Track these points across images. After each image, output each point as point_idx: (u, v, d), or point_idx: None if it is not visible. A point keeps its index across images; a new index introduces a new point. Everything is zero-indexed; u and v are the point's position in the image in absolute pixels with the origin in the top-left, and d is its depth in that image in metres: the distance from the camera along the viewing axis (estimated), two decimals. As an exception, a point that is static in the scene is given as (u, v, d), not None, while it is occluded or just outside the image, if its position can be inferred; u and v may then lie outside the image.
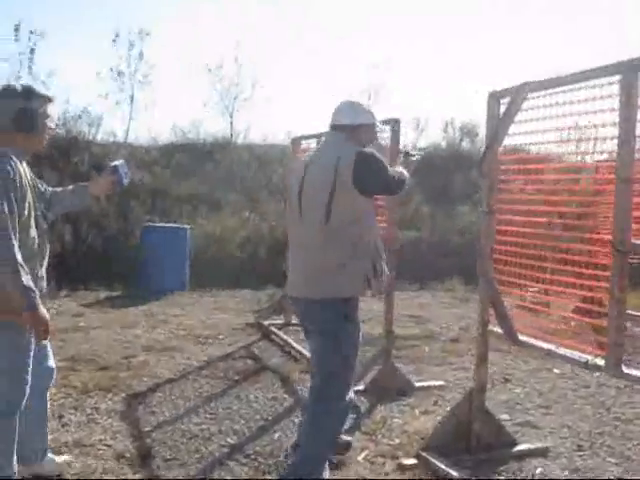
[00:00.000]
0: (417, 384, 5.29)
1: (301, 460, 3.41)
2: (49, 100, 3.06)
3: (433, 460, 3.72)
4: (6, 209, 2.77)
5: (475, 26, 27.64)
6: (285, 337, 6.74)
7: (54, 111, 3.13)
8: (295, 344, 6.43)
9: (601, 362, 3.08)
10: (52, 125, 3.15)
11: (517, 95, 3.54)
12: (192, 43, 26.73)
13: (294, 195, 3.46)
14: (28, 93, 2.94)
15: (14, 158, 2.90)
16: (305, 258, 3.42)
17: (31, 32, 13.32)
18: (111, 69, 15.61)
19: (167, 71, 25.95)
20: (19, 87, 2.97)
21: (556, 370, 5.94)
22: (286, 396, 4.94)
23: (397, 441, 4.17)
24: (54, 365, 3.42)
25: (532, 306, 3.69)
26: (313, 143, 6.74)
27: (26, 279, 2.79)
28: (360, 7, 29.33)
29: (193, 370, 5.64)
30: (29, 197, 2.98)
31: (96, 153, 11.65)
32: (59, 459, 3.58)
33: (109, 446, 3.96)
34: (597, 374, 5.74)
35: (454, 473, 3.57)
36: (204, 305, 8.71)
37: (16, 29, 13.22)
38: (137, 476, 3.58)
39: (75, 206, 3.52)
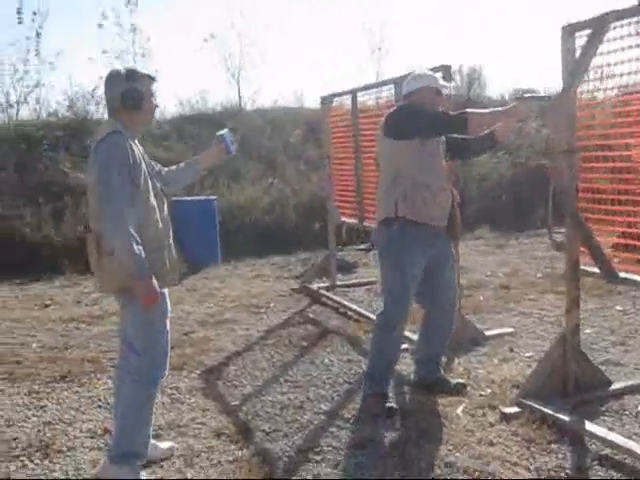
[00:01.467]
0: (487, 333, 5.25)
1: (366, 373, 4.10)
2: (151, 79, 3.20)
3: (537, 406, 3.68)
4: (119, 182, 2.91)
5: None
6: (337, 299, 6.68)
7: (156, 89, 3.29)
8: (350, 304, 6.39)
9: None
10: (156, 102, 3.26)
11: (598, 27, 3.41)
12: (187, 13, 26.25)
13: None
14: (132, 74, 3.12)
15: (127, 136, 3.06)
16: None
17: (34, 13, 13.12)
18: (103, 51, 15.21)
19: (165, 44, 25.47)
20: (123, 70, 3.15)
21: (618, 307, 5.91)
22: (361, 357, 4.87)
23: (489, 391, 4.13)
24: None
25: (628, 241, 3.59)
26: (347, 100, 6.63)
27: (137, 248, 2.90)
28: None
29: (256, 340, 5.59)
30: (144, 169, 3.10)
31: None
32: (164, 445, 3.53)
33: (204, 424, 3.91)
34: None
35: (564, 417, 3.53)
36: (242, 275, 8.61)
37: (19, 12, 13.08)
38: (245, 452, 3.52)
39: (188, 180, 3.70)
